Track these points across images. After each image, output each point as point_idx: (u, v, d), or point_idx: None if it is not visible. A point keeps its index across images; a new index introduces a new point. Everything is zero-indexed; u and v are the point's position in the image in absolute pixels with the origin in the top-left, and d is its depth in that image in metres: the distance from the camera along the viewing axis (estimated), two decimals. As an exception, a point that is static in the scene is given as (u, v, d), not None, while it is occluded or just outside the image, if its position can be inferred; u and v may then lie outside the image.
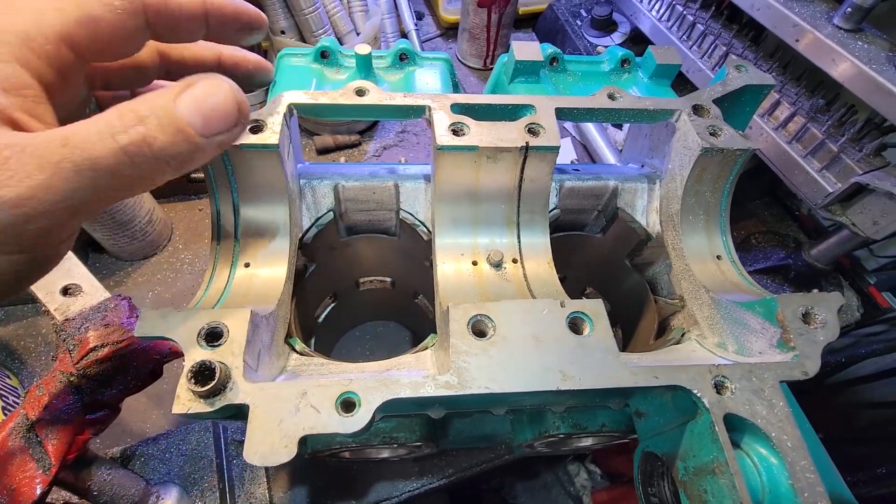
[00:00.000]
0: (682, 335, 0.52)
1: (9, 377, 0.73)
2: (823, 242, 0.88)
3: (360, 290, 0.72)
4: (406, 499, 0.74)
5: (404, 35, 1.18)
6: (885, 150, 0.74)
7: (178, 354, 0.60)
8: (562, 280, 0.75)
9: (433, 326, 0.61)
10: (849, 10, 0.70)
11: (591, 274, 0.68)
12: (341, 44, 0.91)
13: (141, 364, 0.54)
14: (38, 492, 0.43)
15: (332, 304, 0.71)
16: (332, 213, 0.55)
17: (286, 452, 0.31)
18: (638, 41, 1.17)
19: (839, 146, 0.74)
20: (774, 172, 1.04)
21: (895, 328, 1.01)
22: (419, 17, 1.35)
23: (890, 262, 1.11)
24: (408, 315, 0.79)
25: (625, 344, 0.68)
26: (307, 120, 1.04)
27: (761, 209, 1.09)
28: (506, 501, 1.31)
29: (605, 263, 0.65)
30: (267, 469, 0.71)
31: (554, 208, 0.58)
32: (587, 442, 0.66)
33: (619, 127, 1.12)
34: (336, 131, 1.05)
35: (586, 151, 1.12)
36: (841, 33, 0.71)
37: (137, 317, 0.57)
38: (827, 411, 1.50)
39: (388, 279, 0.72)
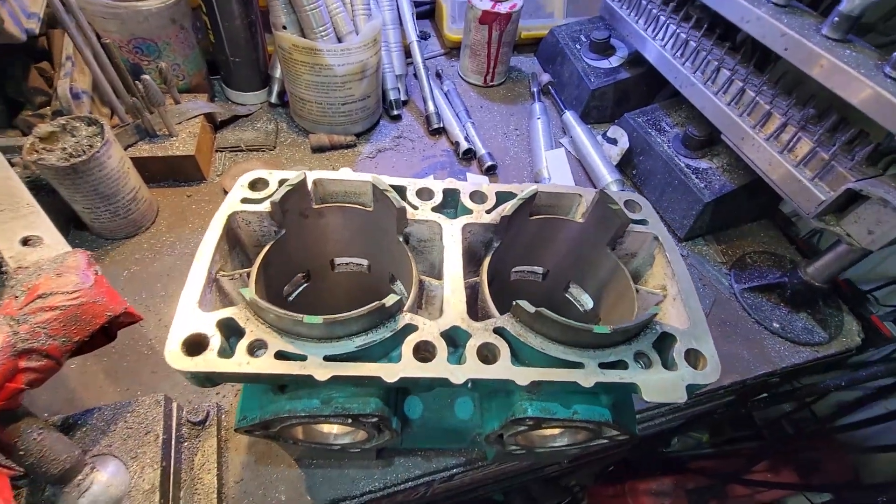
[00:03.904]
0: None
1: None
2: (820, 259, 0.86)
3: (335, 273, 0.70)
4: (368, 501, 0.69)
5: (407, 48, 1.21)
6: (881, 159, 0.72)
7: (134, 318, 0.57)
8: (544, 275, 0.73)
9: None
10: (836, 19, 0.71)
11: (573, 262, 0.66)
12: (340, 42, 0.93)
13: (90, 319, 0.52)
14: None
15: (305, 284, 0.69)
16: (303, 174, 0.54)
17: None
18: (636, 63, 1.20)
19: (831, 154, 0.73)
20: (770, 194, 1.03)
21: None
22: (424, 36, 1.40)
23: None
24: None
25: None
26: (303, 118, 1.06)
27: (757, 230, 1.06)
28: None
29: (586, 251, 0.63)
30: (220, 457, 0.67)
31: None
32: (563, 440, 0.62)
33: (615, 142, 1.12)
34: (333, 131, 1.06)
35: (581, 166, 1.12)
36: (829, 42, 0.72)
37: (97, 273, 0.56)
38: (835, 460, 1.41)
39: (365, 262, 0.70)
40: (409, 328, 0.47)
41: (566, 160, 1.07)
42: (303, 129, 1.09)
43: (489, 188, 0.61)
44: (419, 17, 1.43)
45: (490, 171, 1.07)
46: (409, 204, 0.58)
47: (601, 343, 0.47)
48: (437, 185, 0.60)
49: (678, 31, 0.97)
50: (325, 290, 0.72)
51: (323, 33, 0.90)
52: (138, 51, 0.94)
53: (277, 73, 1.09)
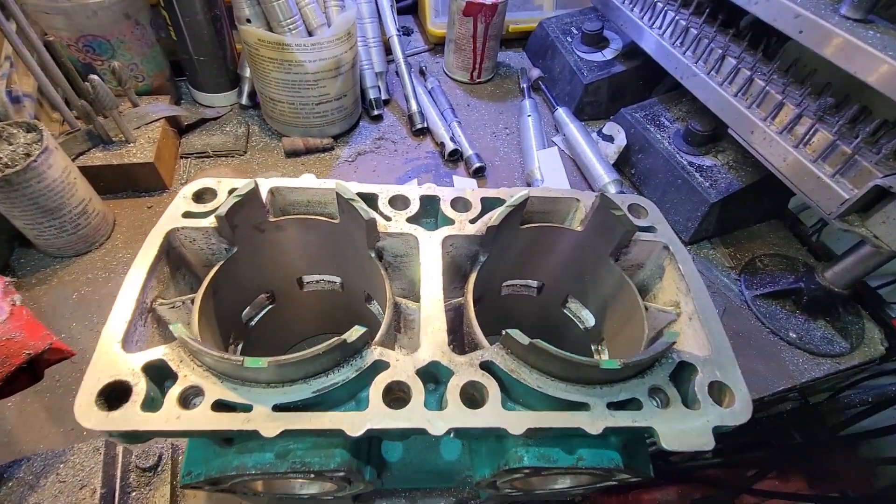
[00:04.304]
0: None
1: None
2: (840, 262, 0.78)
3: (305, 293, 0.62)
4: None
5: (387, 43, 1.13)
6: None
7: (63, 354, 0.49)
8: (539, 289, 0.65)
9: None
10: (857, -3, 0.64)
11: (571, 276, 0.58)
12: (310, 35, 0.85)
13: (4, 359, 0.44)
14: None
15: (270, 306, 0.61)
16: (253, 182, 0.46)
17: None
18: (631, 56, 1.13)
19: (853, 148, 0.66)
20: (779, 192, 0.96)
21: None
22: (407, 32, 1.32)
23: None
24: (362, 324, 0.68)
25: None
26: (275, 120, 0.98)
27: (766, 231, 0.99)
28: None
29: (586, 263, 0.55)
30: (175, 507, 0.58)
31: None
32: (565, 482, 0.54)
33: (611, 140, 1.05)
34: (308, 133, 0.98)
35: (575, 166, 1.04)
36: (849, 23, 0.65)
37: (14, 304, 0.48)
38: (848, 467, 1.34)
39: (337, 279, 0.62)
40: (379, 365, 0.39)
41: (560, 160, 1.00)
42: (276, 132, 1.01)
43: (473, 194, 0.53)
44: (401, 12, 1.36)
45: (478, 174, 0.99)
46: (381, 214, 0.50)
47: (610, 379, 0.39)
48: (413, 192, 0.52)
49: (677, 17, 0.90)
50: (293, 312, 0.64)
51: (291, 26, 0.82)
52: (89, 49, 0.86)
53: (248, 73, 1.01)
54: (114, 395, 0.36)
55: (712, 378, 0.41)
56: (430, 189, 0.52)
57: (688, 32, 0.88)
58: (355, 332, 0.37)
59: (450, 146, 1.00)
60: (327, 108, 0.95)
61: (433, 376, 0.41)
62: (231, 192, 0.49)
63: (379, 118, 1.08)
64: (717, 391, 0.41)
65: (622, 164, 1.05)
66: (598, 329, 0.60)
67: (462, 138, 1.02)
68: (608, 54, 1.15)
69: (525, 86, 1.19)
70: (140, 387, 0.36)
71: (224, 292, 0.50)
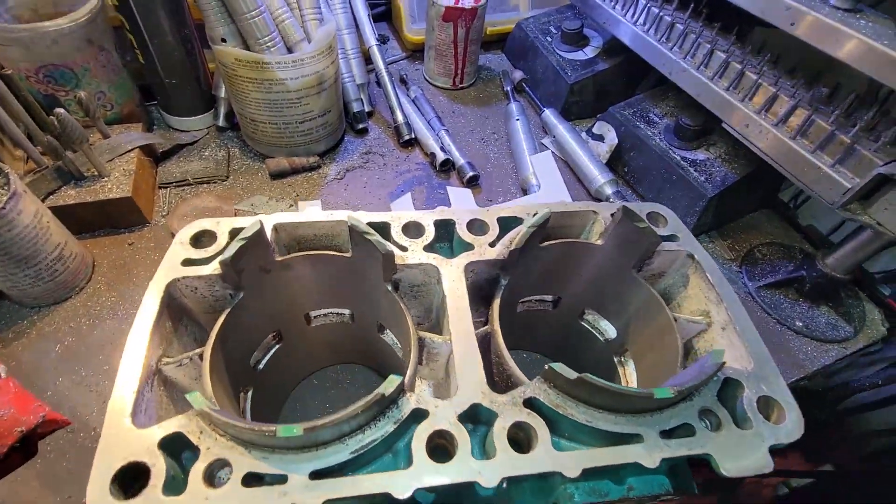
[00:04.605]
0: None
1: None
2: (840, 249, 0.79)
3: (313, 327, 0.59)
4: None
5: (366, 53, 1.10)
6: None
7: (58, 424, 0.45)
8: (554, 302, 0.63)
9: (399, 365, 0.48)
10: (846, -12, 0.64)
11: (592, 290, 0.56)
12: (291, 52, 0.81)
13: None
14: None
15: (277, 346, 0.57)
16: (259, 223, 0.42)
17: None
18: (613, 53, 1.12)
19: (851, 137, 0.66)
20: (771, 181, 0.97)
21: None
22: (383, 40, 1.28)
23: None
24: (373, 356, 0.65)
25: (638, 376, 0.56)
26: (257, 141, 0.93)
27: (761, 221, 1.00)
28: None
29: (608, 276, 0.53)
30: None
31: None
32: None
33: (601, 139, 1.04)
34: (292, 153, 0.94)
35: (568, 167, 1.03)
36: (840, 13, 0.65)
37: (0, 376, 0.43)
38: (841, 439, 1.37)
39: (347, 311, 0.59)
40: (419, 415, 0.37)
41: (554, 164, 0.98)
42: (258, 154, 0.97)
43: (489, 214, 0.51)
44: (374, 19, 1.32)
45: (472, 182, 0.97)
46: (396, 244, 0.47)
47: (661, 406, 0.37)
48: (427, 218, 0.49)
49: (661, 13, 0.90)
50: (301, 349, 0.61)
51: (269, 44, 0.78)
52: (51, 80, 0.80)
53: (223, 93, 0.96)
54: (129, 477, 0.33)
55: (759, 393, 0.40)
56: (443, 213, 0.50)
57: (673, 28, 0.88)
58: (392, 384, 0.34)
59: (441, 156, 0.97)
60: (311, 125, 0.91)
61: (473, 419, 0.38)
62: (232, 232, 0.46)
63: (364, 132, 1.04)
64: (766, 406, 0.40)
65: (614, 163, 1.04)
66: (621, 340, 0.59)
67: (452, 147, 1.00)
68: (589, 52, 1.14)
69: (509, 89, 1.17)
70: (159, 467, 0.33)
71: (232, 341, 0.47)
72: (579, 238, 0.53)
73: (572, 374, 0.36)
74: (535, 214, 0.46)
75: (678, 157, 0.93)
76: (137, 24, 0.80)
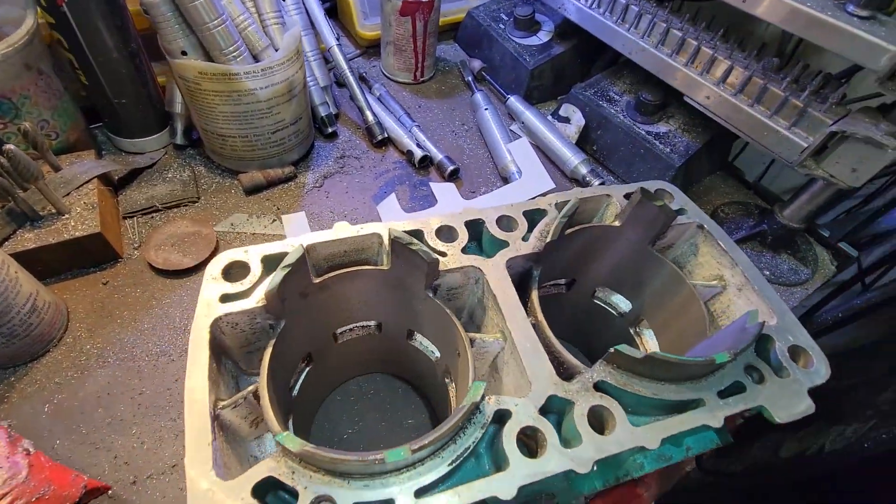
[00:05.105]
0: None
1: None
2: (795, 201, 0.88)
3: (340, 344, 0.57)
4: None
5: (325, 54, 1.06)
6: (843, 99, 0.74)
7: (98, 493, 0.41)
8: (568, 284, 0.66)
9: (431, 372, 0.49)
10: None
11: (610, 270, 0.59)
12: (257, 61, 0.77)
13: (41, 522, 0.36)
14: None
15: (307, 369, 0.55)
16: (301, 248, 0.41)
17: None
18: (566, 36, 1.15)
19: (803, 101, 0.73)
20: (724, 147, 1.05)
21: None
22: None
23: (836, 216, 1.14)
24: (399, 363, 0.65)
25: (660, 343, 0.59)
26: (225, 157, 0.88)
27: (718, 183, 1.08)
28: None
29: (625, 255, 0.56)
30: None
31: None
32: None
33: (567, 121, 1.08)
34: (265, 165, 0.89)
35: (540, 152, 1.06)
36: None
37: (28, 453, 0.39)
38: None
39: (372, 323, 0.58)
40: (502, 415, 0.37)
41: (532, 150, 1.01)
42: (227, 170, 0.91)
43: (514, 209, 0.52)
44: (323, 16, 1.27)
45: (453, 176, 0.97)
46: (434, 250, 0.47)
47: (716, 369, 0.41)
48: (457, 220, 0.49)
49: (615, -4, 0.94)
50: (329, 367, 0.60)
51: (235, 54, 0.73)
52: (-16, 113, 0.70)
53: (178, 108, 0.90)
54: (228, 533, 0.31)
55: (788, 343, 0.44)
56: (470, 214, 0.50)
57: (628, 10, 0.92)
58: (479, 389, 0.35)
59: (418, 153, 0.97)
60: (284, 134, 0.87)
61: (550, 410, 0.40)
62: (265, 260, 0.44)
63: (334, 135, 1.01)
64: (796, 354, 0.44)
65: (581, 143, 1.08)
66: (636, 313, 0.62)
67: (427, 143, 0.99)
68: (543, 37, 1.17)
69: (470, 79, 1.18)
70: (258, 515, 0.31)
71: (276, 371, 0.45)
72: (593, 221, 0.56)
73: (639, 354, 0.38)
74: (554, 205, 0.48)
75: (643, 132, 0.98)
76: (78, 42, 0.72)
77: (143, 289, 0.75)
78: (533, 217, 0.52)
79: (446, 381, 0.54)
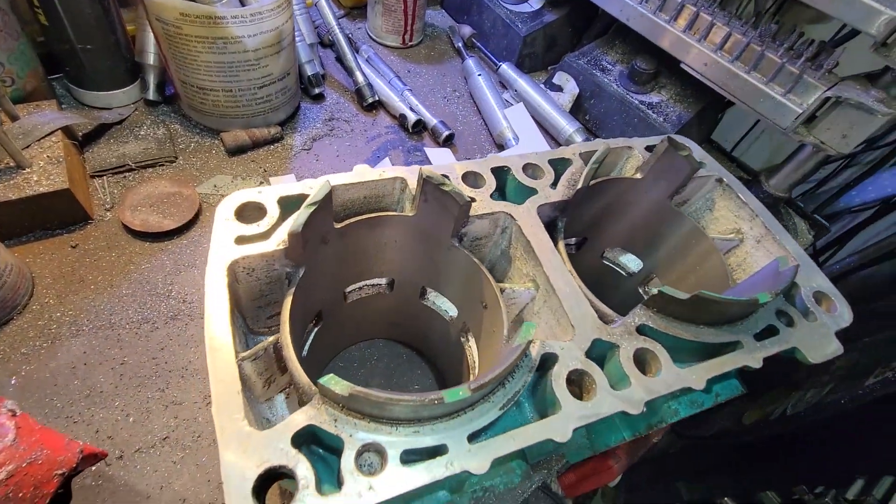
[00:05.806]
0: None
1: None
2: (780, 171, 0.90)
3: (348, 303, 0.54)
4: None
5: (309, 11, 1.00)
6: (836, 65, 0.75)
7: (95, 459, 0.37)
8: (578, 245, 0.65)
9: (444, 333, 0.46)
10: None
11: (628, 224, 0.58)
12: (244, 5, 0.71)
13: (33, 494, 0.31)
14: None
15: (316, 329, 0.52)
16: (328, 183, 0.37)
17: None
18: (557, 4, 1.13)
19: (799, 67, 0.74)
20: (711, 119, 1.07)
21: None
22: (315, -4, 1.17)
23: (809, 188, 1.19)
24: (407, 326, 0.62)
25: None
26: (206, 114, 0.81)
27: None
28: None
29: (643, 209, 0.56)
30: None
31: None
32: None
33: (560, 89, 1.06)
34: (249, 124, 0.83)
35: (535, 121, 1.04)
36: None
37: (14, 414, 0.34)
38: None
39: (383, 281, 0.55)
40: (548, 359, 0.36)
41: (528, 116, 0.99)
42: (207, 129, 0.85)
43: (539, 157, 0.50)
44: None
45: (448, 142, 0.94)
46: (461, 196, 0.45)
47: (754, 311, 0.40)
48: (483, 166, 0.47)
49: (612, -41, 0.92)
50: (336, 329, 0.56)
51: (220, -6, 0.67)
52: (-77, 49, 0.61)
53: (150, 59, 0.82)
54: (270, 487, 0.28)
55: (812, 289, 0.45)
56: (496, 160, 0.48)
57: (626, -26, 0.91)
58: (529, 330, 0.33)
59: (412, 117, 0.93)
60: (271, 90, 0.81)
61: (595, 353, 0.38)
62: (282, 201, 0.40)
63: (321, 97, 0.96)
64: (820, 299, 0.45)
65: (574, 112, 1.07)
66: (646, 272, 0.62)
67: (421, 107, 0.96)
68: (535, 4, 1.14)
69: (460, 45, 1.14)
70: (302, 469, 0.28)
71: (293, 325, 0.41)
72: (617, 174, 0.55)
73: (684, 295, 0.37)
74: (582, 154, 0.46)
75: (636, 101, 0.98)
76: (37, -28, 0.64)
77: (118, 252, 0.69)
78: (556, 167, 0.50)
79: (462, 339, 0.52)
